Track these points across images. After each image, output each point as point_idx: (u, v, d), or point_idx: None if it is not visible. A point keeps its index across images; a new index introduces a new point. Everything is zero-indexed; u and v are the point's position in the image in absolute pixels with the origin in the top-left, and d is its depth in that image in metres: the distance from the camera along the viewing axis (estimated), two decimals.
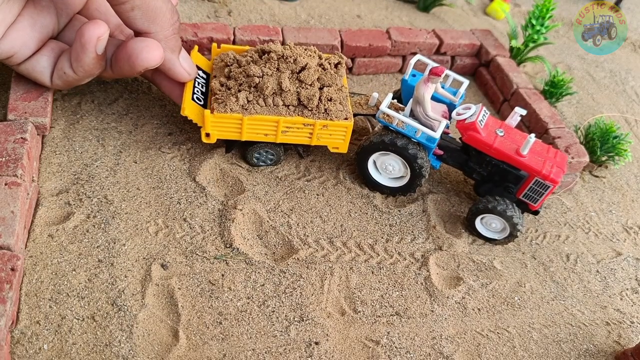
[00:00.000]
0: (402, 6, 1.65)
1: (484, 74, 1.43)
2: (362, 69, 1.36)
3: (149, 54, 0.85)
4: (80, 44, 0.84)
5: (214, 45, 1.06)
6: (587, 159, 1.18)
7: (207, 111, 0.92)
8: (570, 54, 1.72)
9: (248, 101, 0.94)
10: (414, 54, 1.37)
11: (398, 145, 0.99)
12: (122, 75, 0.92)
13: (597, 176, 1.29)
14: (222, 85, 0.96)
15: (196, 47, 1.06)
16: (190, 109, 0.95)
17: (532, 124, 1.27)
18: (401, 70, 1.41)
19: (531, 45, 1.44)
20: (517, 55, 1.46)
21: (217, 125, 0.94)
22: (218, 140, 1.00)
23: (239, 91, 0.94)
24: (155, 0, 0.83)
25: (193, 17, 1.32)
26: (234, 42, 1.20)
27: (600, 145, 1.25)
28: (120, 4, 0.81)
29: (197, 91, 0.98)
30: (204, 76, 1.03)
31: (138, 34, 0.87)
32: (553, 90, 1.38)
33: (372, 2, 1.63)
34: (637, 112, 1.56)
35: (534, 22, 1.41)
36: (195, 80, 0.99)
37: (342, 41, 1.28)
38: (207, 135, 0.96)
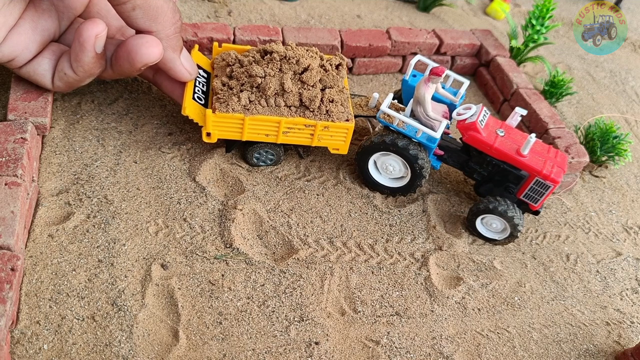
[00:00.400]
0: (402, 6, 1.65)
1: (484, 74, 1.43)
2: (362, 69, 1.36)
3: (148, 49, 0.85)
4: (78, 43, 0.84)
5: (215, 44, 1.06)
6: (587, 159, 1.18)
7: (209, 111, 0.92)
8: (570, 54, 1.72)
9: (250, 101, 0.94)
10: (414, 54, 1.38)
11: (399, 145, 0.99)
12: (123, 74, 0.92)
13: (597, 176, 1.29)
14: (224, 84, 0.97)
15: (196, 46, 1.06)
16: (191, 108, 0.95)
17: (532, 124, 1.27)
18: (401, 70, 1.41)
19: (531, 45, 1.44)
20: (517, 55, 1.46)
21: (218, 124, 0.95)
22: (218, 139, 1.00)
23: (241, 91, 0.95)
24: (156, 0, 0.83)
25: (193, 17, 1.32)
26: (234, 42, 1.20)
27: (600, 145, 1.25)
28: (121, 4, 0.81)
29: (198, 90, 0.98)
30: (205, 75, 1.03)
31: (140, 33, 0.87)
32: (553, 90, 1.38)
33: (372, 2, 1.63)
34: (637, 112, 1.56)
35: (534, 22, 1.41)
36: (195, 80, 0.99)
37: (342, 41, 1.28)
38: (208, 134, 0.96)
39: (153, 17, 0.84)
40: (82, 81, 0.91)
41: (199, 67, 1.02)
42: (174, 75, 0.95)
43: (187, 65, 0.94)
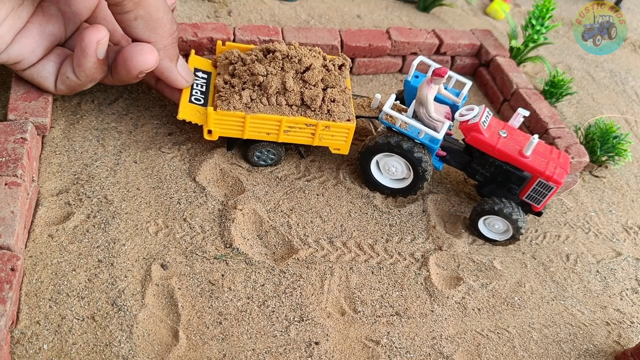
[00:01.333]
0: (402, 6, 1.65)
1: (484, 74, 1.43)
2: (362, 69, 1.35)
3: (143, 56, 0.86)
4: (80, 49, 0.85)
5: (219, 42, 1.06)
6: (587, 159, 1.18)
7: (210, 108, 0.93)
8: (570, 54, 1.72)
9: (251, 99, 0.94)
10: (414, 54, 1.38)
11: (404, 147, 0.99)
12: (122, 80, 0.93)
13: (597, 176, 1.29)
14: (226, 82, 0.97)
15: (193, 51, 1.07)
16: (187, 111, 0.96)
17: (532, 124, 1.27)
18: (401, 71, 1.41)
19: (531, 45, 1.44)
20: (517, 55, 1.46)
21: (219, 122, 0.95)
22: (219, 139, 1.00)
23: (243, 89, 0.95)
24: (157, 11, 0.85)
25: (193, 17, 1.32)
26: (234, 42, 1.20)
27: (600, 145, 1.25)
28: (123, 13, 0.82)
29: (196, 92, 0.99)
30: (204, 76, 1.03)
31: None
32: (553, 90, 1.38)
33: (372, 2, 1.63)
34: (637, 112, 1.56)
35: (534, 22, 1.41)
36: (193, 82, 1.00)
37: (342, 41, 1.28)
38: (210, 132, 0.96)
39: (153, 29, 0.86)
40: (84, 85, 0.92)
41: (198, 70, 1.03)
42: (172, 84, 0.97)
43: (183, 73, 0.96)
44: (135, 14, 0.82)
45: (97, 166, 0.96)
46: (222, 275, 0.86)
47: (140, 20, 0.83)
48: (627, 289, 1.05)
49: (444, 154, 1.06)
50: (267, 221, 0.96)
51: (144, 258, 0.85)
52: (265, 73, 0.94)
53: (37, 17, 0.87)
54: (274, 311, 0.84)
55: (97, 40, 0.83)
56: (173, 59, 0.93)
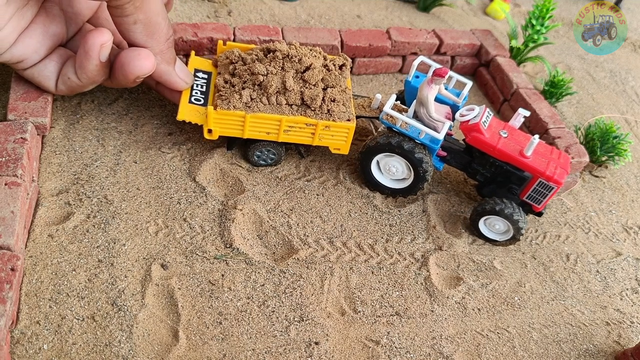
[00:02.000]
0: (402, 6, 1.65)
1: (484, 74, 1.43)
2: (362, 69, 1.35)
3: (140, 62, 0.87)
4: (83, 51, 0.85)
5: (220, 42, 1.06)
6: (587, 159, 1.18)
7: (210, 107, 0.93)
8: (570, 54, 1.72)
9: (251, 99, 0.94)
10: (414, 54, 1.38)
11: (405, 148, 0.99)
12: (120, 84, 0.93)
13: (597, 176, 1.29)
14: (226, 82, 0.97)
15: (193, 52, 1.07)
16: (186, 112, 0.96)
17: (532, 124, 1.27)
18: (401, 71, 1.41)
19: (531, 45, 1.44)
20: (517, 55, 1.46)
21: (219, 121, 0.95)
22: (219, 139, 1.00)
23: (243, 89, 0.95)
24: (156, 16, 0.85)
25: (193, 17, 1.32)
26: (234, 42, 1.20)
27: (600, 145, 1.25)
28: (123, 17, 0.82)
29: (196, 92, 0.99)
30: (204, 77, 1.03)
31: (133, 47, 0.89)
32: (553, 90, 1.38)
33: (372, 2, 1.63)
34: (637, 112, 1.56)
35: (534, 22, 1.41)
36: (193, 83, 1.00)
37: (342, 41, 1.28)
38: (210, 131, 0.96)
39: (151, 33, 0.86)
40: (85, 87, 0.92)
41: (198, 70, 1.03)
42: (171, 86, 0.97)
43: (182, 75, 0.96)
44: (135, 17, 0.82)
45: (97, 166, 0.96)
46: (222, 275, 0.86)
47: (139, 25, 0.84)
48: (627, 289, 1.05)
49: (445, 154, 1.06)
50: (267, 221, 0.96)
51: (144, 258, 0.85)
52: (266, 72, 0.94)
53: (41, 17, 0.87)
54: (274, 311, 0.84)
55: (100, 43, 0.84)
56: (170, 62, 0.93)
